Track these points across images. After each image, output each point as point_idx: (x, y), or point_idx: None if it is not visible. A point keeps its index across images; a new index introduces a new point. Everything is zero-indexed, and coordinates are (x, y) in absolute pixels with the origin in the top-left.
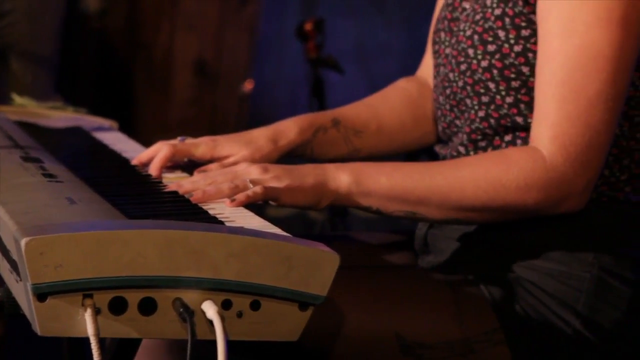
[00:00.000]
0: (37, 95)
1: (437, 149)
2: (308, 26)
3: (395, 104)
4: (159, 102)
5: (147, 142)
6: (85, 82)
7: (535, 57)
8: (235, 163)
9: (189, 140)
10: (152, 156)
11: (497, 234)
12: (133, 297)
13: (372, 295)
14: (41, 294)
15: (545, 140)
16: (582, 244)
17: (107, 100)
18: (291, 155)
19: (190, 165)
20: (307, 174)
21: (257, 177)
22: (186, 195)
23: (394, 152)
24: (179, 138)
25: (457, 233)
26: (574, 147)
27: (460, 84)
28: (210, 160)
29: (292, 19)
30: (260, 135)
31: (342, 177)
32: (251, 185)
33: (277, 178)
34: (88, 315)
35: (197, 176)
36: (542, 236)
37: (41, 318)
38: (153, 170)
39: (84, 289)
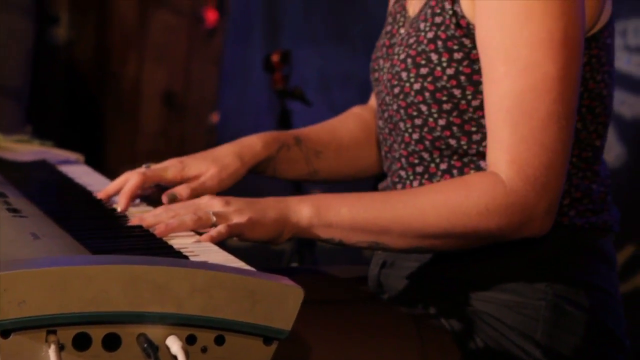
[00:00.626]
0: (7, 128)
1: (379, 186)
2: (275, 58)
3: (352, 127)
4: (127, 133)
5: (115, 173)
6: (53, 113)
7: (467, 80)
8: (203, 185)
9: (156, 166)
10: (120, 187)
11: (451, 268)
12: (97, 333)
13: (337, 329)
14: (5, 331)
15: (503, 165)
16: (534, 272)
17: (76, 131)
18: (254, 172)
19: (159, 191)
20: (269, 207)
21: (219, 209)
22: (150, 229)
23: (352, 177)
24: (143, 166)
25: (409, 271)
26: (532, 170)
27: (395, 107)
28: (181, 182)
29: (256, 49)
30: (227, 153)
31: (303, 210)
32: (214, 218)
33: (239, 211)
34: (52, 352)
35: (160, 209)
36: (495, 268)
37: (5, 355)
38: (122, 199)
39: (47, 325)
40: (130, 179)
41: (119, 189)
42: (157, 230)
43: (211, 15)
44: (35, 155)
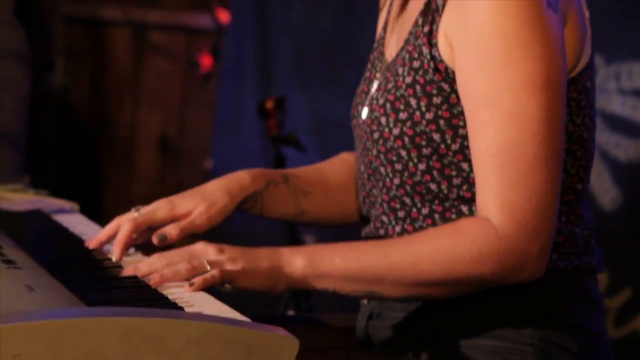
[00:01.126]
0: (5, 176)
1: (362, 232)
2: (269, 104)
3: (340, 171)
4: (122, 178)
5: (110, 220)
6: (49, 159)
7: (446, 124)
8: (193, 224)
9: (145, 209)
10: (112, 234)
11: (438, 316)
12: None
13: None
14: None
15: (493, 210)
16: (519, 317)
17: (71, 177)
18: (242, 209)
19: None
20: (263, 257)
21: (213, 257)
22: (145, 279)
23: (339, 221)
24: (133, 209)
25: (396, 321)
26: (523, 214)
27: (374, 152)
28: (172, 222)
29: (249, 94)
30: (215, 189)
31: (296, 261)
32: (208, 267)
33: (232, 260)
34: None
35: (154, 257)
36: (480, 314)
37: None
38: (116, 249)
39: None
40: (122, 227)
41: (111, 236)
42: (152, 281)
43: (206, 61)
44: (30, 205)
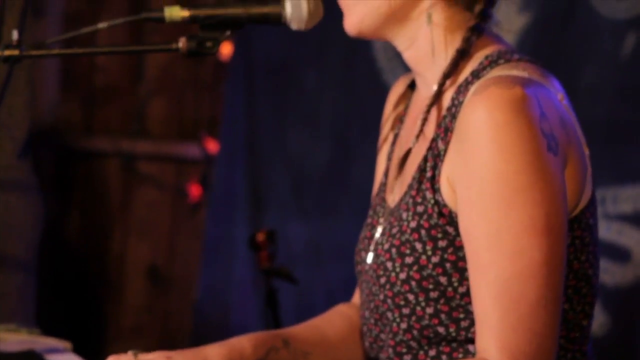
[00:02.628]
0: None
1: None
2: (260, 237)
3: (339, 326)
4: (112, 309)
5: (101, 351)
6: (38, 292)
7: (452, 267)
8: None
9: (142, 356)
10: None
11: None
12: None
13: None
14: None
15: (494, 351)
16: None
17: (60, 309)
18: None
19: None
20: None
21: None
22: None
23: None
24: (129, 352)
25: None
26: (524, 356)
27: (381, 297)
28: None
29: (240, 224)
30: (216, 355)
31: None
32: None
33: None
34: None
35: None
36: None
37: None
38: None
39: None
40: None
41: None
42: None
43: (195, 191)
44: (23, 345)
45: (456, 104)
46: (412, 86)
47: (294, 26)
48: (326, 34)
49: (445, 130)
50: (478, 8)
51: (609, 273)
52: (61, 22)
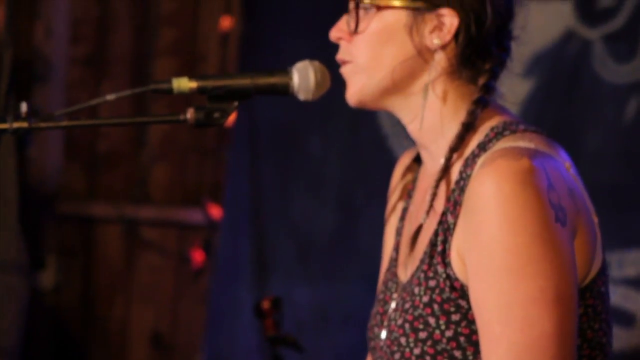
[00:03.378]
0: None
1: None
2: (265, 304)
3: None
4: None
5: None
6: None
7: (466, 341)
8: None
9: None
10: None
11: None
12: None
13: None
14: None
15: None
16: None
17: None
18: None
19: None
20: None
21: None
22: None
23: None
24: None
25: None
26: None
27: None
28: None
29: (245, 290)
30: None
31: None
32: None
33: None
34: None
35: None
36: None
37: None
38: None
39: None
40: None
41: None
42: None
43: (198, 256)
44: None
45: (464, 177)
46: (418, 159)
47: (302, 97)
48: (330, 99)
49: (454, 204)
50: (482, 81)
51: (615, 337)
52: (63, 89)
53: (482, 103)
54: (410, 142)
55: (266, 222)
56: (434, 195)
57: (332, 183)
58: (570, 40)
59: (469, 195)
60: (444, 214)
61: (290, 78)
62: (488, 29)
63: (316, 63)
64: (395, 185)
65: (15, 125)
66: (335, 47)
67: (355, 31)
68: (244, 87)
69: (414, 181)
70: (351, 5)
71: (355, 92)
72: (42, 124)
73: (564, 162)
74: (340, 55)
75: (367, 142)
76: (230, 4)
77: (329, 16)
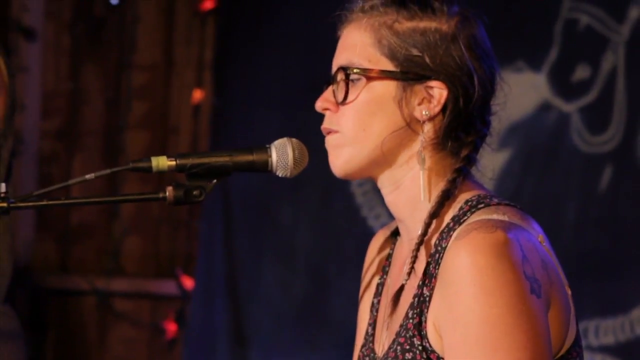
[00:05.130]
0: None
1: None
2: None
3: None
4: None
5: None
6: None
7: None
8: None
9: None
10: None
11: None
12: None
13: None
14: None
15: None
16: None
17: None
18: None
19: None
20: None
21: None
22: None
23: None
24: None
25: None
26: None
27: None
28: None
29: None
30: None
31: None
32: None
33: None
34: None
35: None
36: None
37: None
38: None
39: None
40: None
41: None
42: None
43: (171, 327)
44: None
45: (439, 250)
46: (394, 234)
47: (280, 173)
48: (305, 168)
49: (429, 277)
50: (464, 152)
51: None
52: (36, 162)
53: (464, 173)
54: (383, 210)
55: (241, 293)
56: (415, 258)
57: (303, 253)
58: (547, 112)
59: (444, 268)
60: (419, 287)
61: (269, 155)
62: (475, 102)
63: (294, 140)
64: (369, 262)
65: None
66: (304, 119)
67: (344, 102)
68: (223, 165)
69: (388, 257)
70: (339, 76)
71: (343, 163)
72: (22, 204)
73: (537, 234)
74: (326, 125)
75: (339, 212)
76: (201, 77)
77: (299, 88)
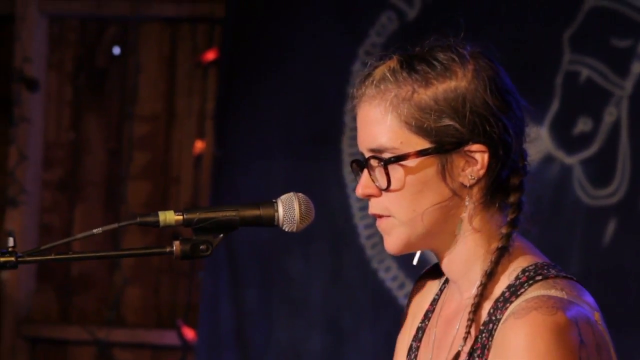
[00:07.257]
0: None
1: None
2: None
3: None
4: None
5: None
6: None
7: None
8: None
9: None
10: None
11: None
12: None
13: None
14: None
15: None
16: None
17: None
18: None
19: None
20: None
21: None
22: None
23: None
24: None
25: None
26: None
27: None
28: None
29: None
30: None
31: None
32: None
33: None
34: None
35: None
36: None
37: None
38: None
39: None
40: None
41: None
42: None
43: None
44: None
45: (494, 320)
46: (439, 277)
47: (286, 228)
48: (312, 222)
49: (482, 347)
50: (513, 199)
51: None
52: (37, 212)
53: (517, 224)
54: (393, 262)
55: (251, 347)
56: (472, 321)
57: (317, 306)
58: (549, 165)
59: (501, 344)
60: (469, 354)
61: (276, 210)
62: (514, 147)
63: (300, 195)
64: (413, 303)
65: (2, 259)
66: (307, 170)
67: (388, 189)
68: (229, 219)
69: (433, 302)
70: (374, 162)
71: (401, 246)
72: (29, 258)
73: (594, 311)
74: (374, 211)
75: (350, 265)
76: (203, 128)
77: (300, 138)
